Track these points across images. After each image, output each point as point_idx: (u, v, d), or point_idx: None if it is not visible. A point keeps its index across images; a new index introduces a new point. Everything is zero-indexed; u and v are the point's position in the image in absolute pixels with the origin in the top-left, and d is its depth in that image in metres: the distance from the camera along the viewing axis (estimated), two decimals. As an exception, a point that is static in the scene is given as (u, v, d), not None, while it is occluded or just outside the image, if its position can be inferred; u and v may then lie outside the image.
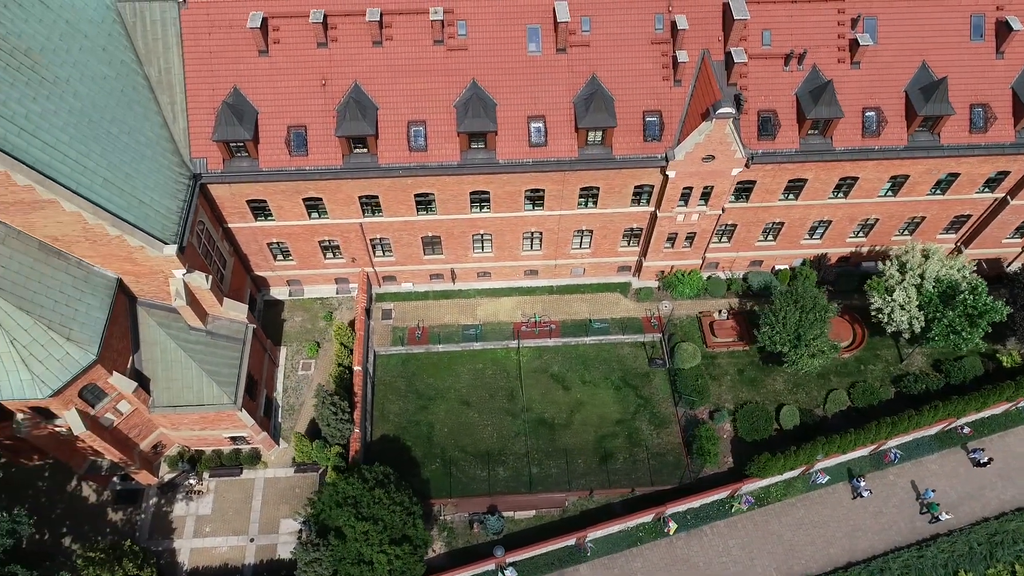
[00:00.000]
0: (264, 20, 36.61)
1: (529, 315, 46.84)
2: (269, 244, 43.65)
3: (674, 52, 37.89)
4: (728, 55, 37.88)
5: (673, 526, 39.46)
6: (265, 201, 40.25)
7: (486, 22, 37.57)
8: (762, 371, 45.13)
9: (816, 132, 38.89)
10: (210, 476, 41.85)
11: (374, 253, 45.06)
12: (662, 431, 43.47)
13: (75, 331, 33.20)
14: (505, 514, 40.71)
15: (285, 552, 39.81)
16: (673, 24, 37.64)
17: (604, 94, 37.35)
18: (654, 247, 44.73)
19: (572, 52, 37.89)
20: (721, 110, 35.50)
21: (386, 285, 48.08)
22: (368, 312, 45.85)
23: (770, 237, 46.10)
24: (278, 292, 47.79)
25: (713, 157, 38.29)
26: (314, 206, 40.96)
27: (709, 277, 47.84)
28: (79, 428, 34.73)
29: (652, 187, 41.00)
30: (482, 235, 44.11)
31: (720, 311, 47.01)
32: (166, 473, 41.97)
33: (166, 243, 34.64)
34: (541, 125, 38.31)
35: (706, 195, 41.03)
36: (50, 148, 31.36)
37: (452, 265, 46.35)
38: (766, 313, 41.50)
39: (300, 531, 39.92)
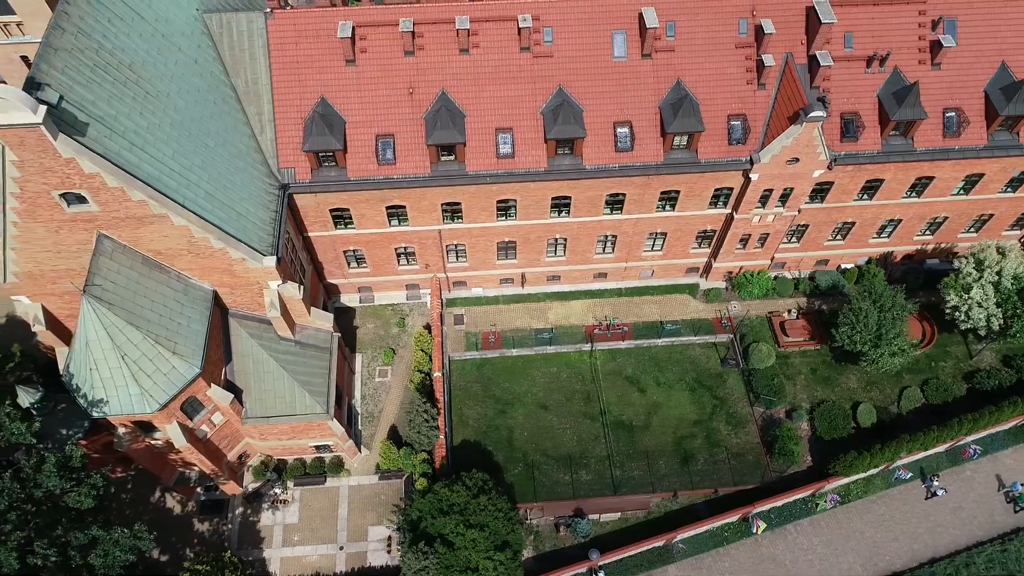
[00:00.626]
0: (352, 29, 36.63)
1: (601, 318, 47.06)
2: (345, 252, 43.69)
3: (758, 56, 38.13)
4: (812, 58, 38.14)
5: (762, 525, 39.85)
6: (348, 209, 40.31)
7: (571, 28, 37.70)
8: (835, 370, 45.56)
9: (897, 133, 39.26)
10: (295, 485, 41.93)
11: (448, 259, 45.16)
12: (740, 431, 43.84)
13: (179, 345, 33.20)
14: (591, 517, 41.02)
15: (375, 560, 40.00)
16: (756, 28, 37.88)
17: (692, 99, 37.55)
18: (726, 248, 45.02)
19: (657, 57, 38.07)
20: (812, 113, 35.77)
21: (455, 290, 48.20)
22: (440, 318, 45.94)
23: (839, 237, 46.49)
24: (348, 299, 47.81)
25: (798, 159, 38.60)
26: (395, 214, 41.04)
27: (776, 277, 48.18)
28: (180, 442, 34.77)
29: (731, 189, 41.28)
30: (557, 239, 44.30)
31: (789, 311, 47.38)
32: (250, 483, 42.01)
33: (265, 255, 34.68)
34: (627, 130, 38.52)
35: (784, 197, 41.35)
36: (157, 162, 31.36)
37: (524, 269, 46.51)
38: (845, 313, 41.88)
39: (388, 538, 40.34)
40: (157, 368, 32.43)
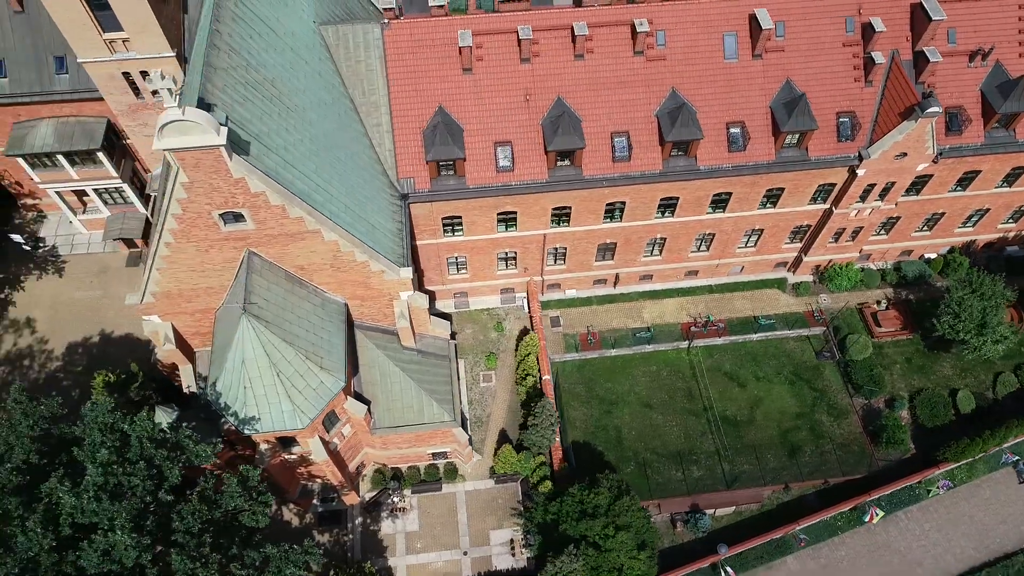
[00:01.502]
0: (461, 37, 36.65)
1: (695, 315, 47.58)
2: (448, 258, 43.82)
3: (866, 53, 38.75)
4: (918, 54, 38.83)
5: (880, 514, 40.64)
6: (459, 217, 40.47)
7: (684, 31, 38.06)
8: (928, 358, 46.49)
9: (999, 126, 40.11)
10: (412, 492, 42.12)
11: (546, 262, 45.42)
12: (842, 422, 44.65)
13: (325, 359, 33.28)
14: (706, 512, 41.63)
15: (500, 563, 40.34)
16: (863, 26, 38.47)
17: (805, 98, 38.05)
18: (819, 242, 45.71)
19: (767, 57, 38.57)
20: (930, 109, 36.47)
21: (549, 292, 48.45)
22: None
23: (926, 227, 47.37)
24: (443, 305, 47.90)
25: (906, 154, 39.32)
26: (505, 219, 41.27)
27: (863, 268, 48.98)
28: (322, 455, 34.89)
29: (834, 185, 41.93)
30: (656, 239, 44.74)
31: (879, 302, 48.20)
32: (366, 492, 42.14)
33: (400, 266, 34.79)
34: (739, 130, 39.01)
35: (885, 191, 42.09)
36: (305, 178, 31.39)
37: (619, 270, 46.90)
38: (947, 302, 42.76)
39: (511, 541, 40.71)
40: (307, 384, 32.52)
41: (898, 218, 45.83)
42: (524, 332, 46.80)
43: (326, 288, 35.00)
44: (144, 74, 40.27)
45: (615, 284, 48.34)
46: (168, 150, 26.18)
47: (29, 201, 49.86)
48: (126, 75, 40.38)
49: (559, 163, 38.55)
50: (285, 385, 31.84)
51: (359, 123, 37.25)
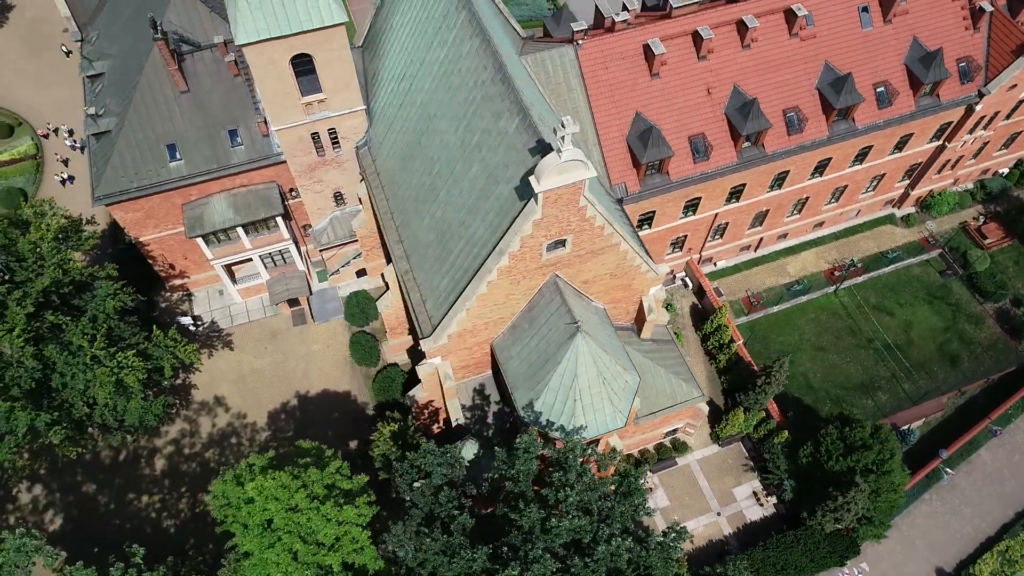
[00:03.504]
0: (653, 46, 39.71)
1: (835, 260, 52.58)
2: (628, 253, 46.80)
3: (972, 4, 44.46)
4: (1012, -2, 45.01)
5: (1049, 396, 47.09)
6: (653, 212, 43.57)
7: (827, 10, 42.48)
8: (1032, 257, 53.63)
9: (1077, 49, 46.91)
10: (651, 472, 45.13)
11: (707, 239, 49.18)
12: (981, 326, 50.92)
13: (621, 360, 35.81)
14: (903, 428, 46.87)
15: (752, 514, 44.04)
16: (967, -19, 44.22)
17: (940, 53, 43.32)
18: (927, 176, 51.63)
19: (896, 21, 43.61)
20: (1047, 43, 42.59)
21: (701, 267, 52.14)
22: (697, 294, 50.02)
23: (1004, 147, 54.19)
24: (611, 299, 50.78)
25: (1015, 86, 45.43)
26: (687, 206, 44.67)
27: (956, 192, 55.47)
28: (621, 449, 37.42)
29: (950, 123, 47.68)
30: (800, 200, 49.30)
31: (976, 218, 54.79)
32: (610, 482, 44.80)
33: (658, 264, 37.64)
34: (884, 89, 43.93)
35: (989, 121, 48.23)
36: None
37: (763, 233, 51.23)
38: (1054, 206, 49.63)
39: (755, 493, 44.53)
40: (619, 385, 34.94)
41: (987, 142, 52.32)
42: (694, 308, 50.45)
43: (591, 296, 37.41)
44: (332, 132, 41.13)
45: (756, 248, 52.68)
46: (547, 191, 28.14)
47: (177, 281, 48.96)
48: (314, 136, 40.99)
49: (744, 145, 42.30)
50: (607, 390, 34.24)
51: (571, 141, 39.60)
